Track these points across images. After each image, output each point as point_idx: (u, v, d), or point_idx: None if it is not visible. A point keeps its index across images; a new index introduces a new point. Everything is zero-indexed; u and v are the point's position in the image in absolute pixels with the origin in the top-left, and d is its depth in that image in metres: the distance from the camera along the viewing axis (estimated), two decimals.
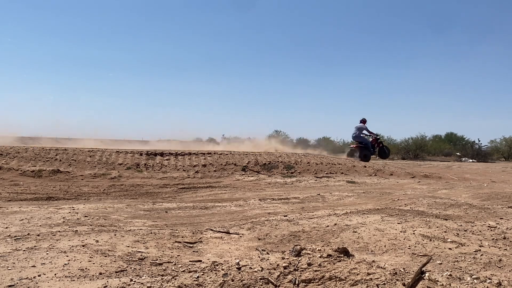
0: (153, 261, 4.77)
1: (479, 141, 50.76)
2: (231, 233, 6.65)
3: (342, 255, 4.27)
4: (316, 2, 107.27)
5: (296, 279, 3.80)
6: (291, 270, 3.93)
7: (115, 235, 6.05)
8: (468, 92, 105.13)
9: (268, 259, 4.24)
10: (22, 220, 7.22)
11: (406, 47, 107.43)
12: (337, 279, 3.78)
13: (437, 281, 3.87)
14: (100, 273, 4.20)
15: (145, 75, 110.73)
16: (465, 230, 6.57)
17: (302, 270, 3.92)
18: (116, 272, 4.28)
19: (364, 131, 29.01)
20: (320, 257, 4.13)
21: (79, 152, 21.87)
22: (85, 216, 7.90)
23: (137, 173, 19.46)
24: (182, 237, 6.25)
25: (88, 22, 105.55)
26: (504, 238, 6.09)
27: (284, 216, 8.57)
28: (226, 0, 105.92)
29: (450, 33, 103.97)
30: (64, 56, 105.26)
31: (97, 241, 5.59)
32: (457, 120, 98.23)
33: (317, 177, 20.16)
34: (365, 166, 23.57)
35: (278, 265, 4.01)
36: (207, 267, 4.15)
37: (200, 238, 6.24)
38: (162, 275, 4.13)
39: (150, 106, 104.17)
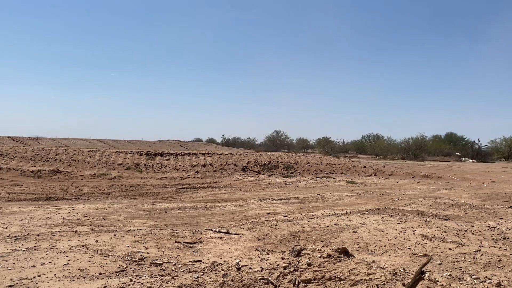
0: (153, 261, 4.77)
1: (479, 141, 50.83)
2: (231, 233, 6.65)
3: (342, 255, 4.27)
4: (315, 3, 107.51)
5: (296, 279, 3.80)
6: (291, 270, 3.92)
7: (115, 235, 6.05)
8: (468, 92, 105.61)
9: (268, 259, 4.24)
10: (22, 220, 7.22)
11: (406, 47, 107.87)
12: (337, 279, 3.78)
13: (437, 281, 3.87)
14: (100, 273, 4.20)
15: (146, 75, 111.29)
16: (465, 230, 6.56)
17: (302, 270, 3.92)
18: (116, 272, 4.28)
19: None
20: (320, 257, 4.13)
21: (79, 152, 21.87)
22: (85, 216, 7.90)
23: (137, 173, 19.46)
24: (182, 237, 6.25)
25: (89, 23, 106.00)
26: (504, 238, 6.08)
27: (284, 216, 8.58)
28: (226, 0, 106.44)
29: (451, 33, 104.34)
30: (65, 57, 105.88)
31: (97, 241, 5.58)
32: (457, 120, 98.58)
33: (317, 177, 20.17)
34: (365, 166, 23.57)
35: (278, 265, 4.01)
36: (207, 267, 4.15)
37: (200, 238, 6.23)
38: (162, 275, 4.13)
39: (151, 106, 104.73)
